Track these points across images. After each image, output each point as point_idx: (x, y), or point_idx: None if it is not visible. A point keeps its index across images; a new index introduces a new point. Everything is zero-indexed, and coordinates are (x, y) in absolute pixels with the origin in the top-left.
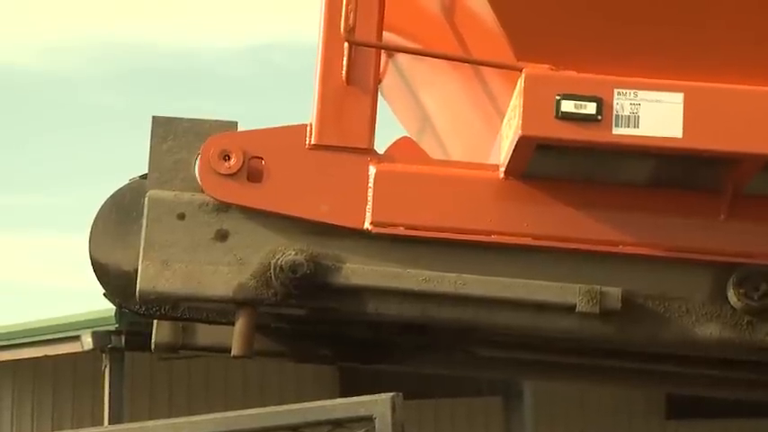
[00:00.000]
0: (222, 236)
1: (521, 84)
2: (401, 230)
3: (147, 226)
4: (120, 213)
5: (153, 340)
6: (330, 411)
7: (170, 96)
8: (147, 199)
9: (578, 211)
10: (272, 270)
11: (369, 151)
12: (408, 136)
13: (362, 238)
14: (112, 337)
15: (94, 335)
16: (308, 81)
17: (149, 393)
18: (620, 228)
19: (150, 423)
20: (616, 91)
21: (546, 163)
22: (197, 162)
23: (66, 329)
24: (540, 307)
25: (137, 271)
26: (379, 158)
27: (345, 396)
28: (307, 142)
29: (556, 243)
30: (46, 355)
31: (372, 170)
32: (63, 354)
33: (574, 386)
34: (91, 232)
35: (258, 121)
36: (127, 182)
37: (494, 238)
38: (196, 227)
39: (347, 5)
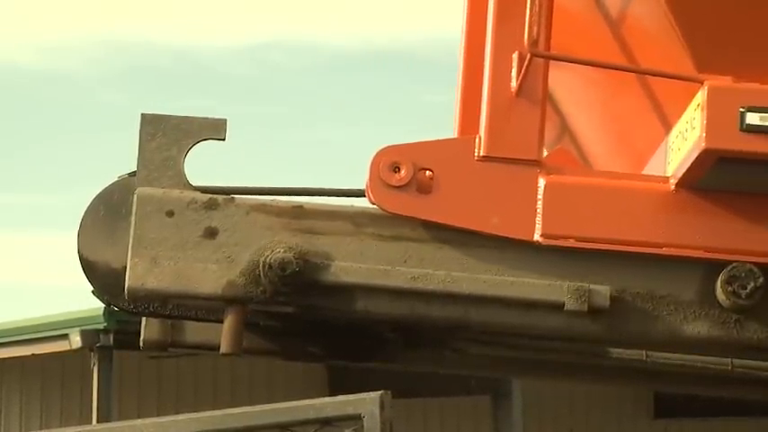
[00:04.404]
0: (211, 233)
1: (703, 96)
2: (572, 243)
3: (135, 223)
4: (108, 211)
5: (141, 338)
6: (319, 410)
7: (170, 95)
8: (135, 196)
9: (753, 223)
10: (260, 268)
11: (538, 163)
12: (564, 147)
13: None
14: (101, 336)
15: (83, 333)
16: (307, 80)
17: (138, 392)
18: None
19: (139, 422)
20: None
21: (721, 175)
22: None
23: (55, 328)
24: (529, 305)
25: (125, 268)
26: (548, 170)
27: (334, 394)
28: (475, 154)
29: (730, 256)
30: (34, 354)
31: (542, 182)
32: (51, 352)
33: (563, 384)
34: (79, 230)
35: (259, 121)
36: (115, 179)
37: (665, 250)
38: (185, 224)
39: (531, 18)
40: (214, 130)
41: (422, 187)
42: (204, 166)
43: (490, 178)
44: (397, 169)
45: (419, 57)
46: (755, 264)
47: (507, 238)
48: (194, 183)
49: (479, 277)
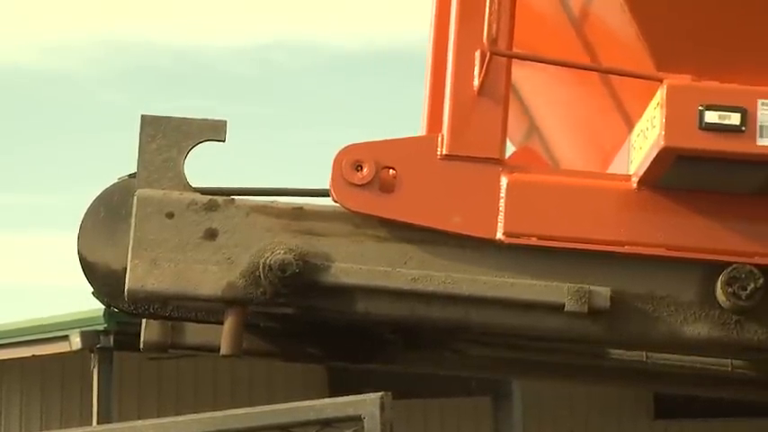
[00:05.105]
0: (211, 235)
1: (662, 94)
2: (534, 241)
3: (135, 225)
4: (108, 212)
5: (142, 339)
6: (319, 411)
7: (170, 95)
8: (135, 198)
9: (714, 221)
10: (261, 269)
11: (500, 161)
12: (529, 146)
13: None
14: (101, 337)
15: (83, 334)
16: (308, 81)
17: (138, 393)
18: (756, 239)
19: (139, 423)
20: (760, 102)
21: (681, 173)
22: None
23: (55, 329)
24: (529, 306)
25: (125, 270)
26: (510, 168)
27: (334, 396)
28: (438, 152)
29: (690, 254)
30: (34, 355)
31: (504, 180)
32: (51, 353)
33: (563, 386)
34: (80, 231)
35: (260, 122)
36: (115, 181)
37: (627, 248)
38: (185, 226)
39: (490, 16)
40: (214, 131)
41: (384, 186)
42: (205, 166)
43: (453, 177)
44: (359, 168)
45: (420, 57)
46: (755, 265)
47: (470, 236)
48: (195, 183)
49: (480, 279)
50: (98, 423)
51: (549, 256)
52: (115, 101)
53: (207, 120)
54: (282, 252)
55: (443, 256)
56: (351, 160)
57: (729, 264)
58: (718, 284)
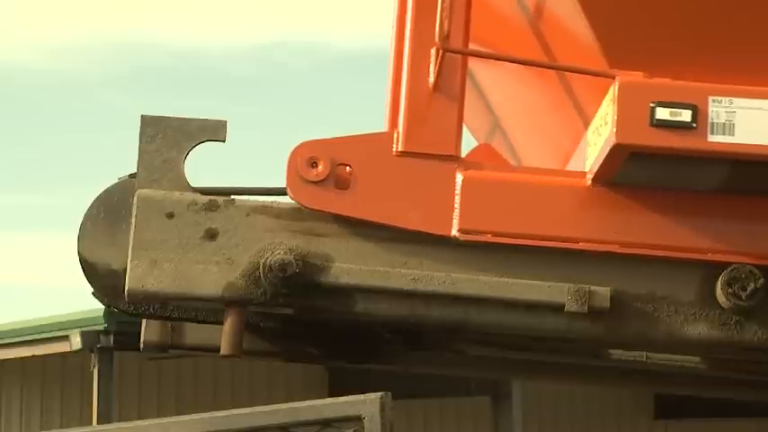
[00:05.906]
0: (211, 235)
1: (614, 91)
2: (488, 238)
3: (135, 225)
4: (109, 212)
5: (142, 339)
6: (319, 411)
7: (174, 96)
8: (135, 198)
9: (668, 218)
10: (261, 269)
11: (455, 158)
12: (487, 143)
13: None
14: (101, 337)
15: (83, 334)
16: (311, 81)
17: (138, 393)
18: (710, 235)
19: (139, 423)
20: (711, 99)
21: (635, 170)
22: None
23: (55, 329)
24: (530, 306)
25: (126, 270)
26: (465, 165)
27: (334, 396)
28: (393, 149)
29: (645, 251)
30: (34, 355)
31: (459, 177)
32: (52, 353)
33: (563, 385)
34: (80, 231)
35: (262, 121)
36: (115, 181)
37: (581, 245)
38: (185, 226)
39: (442, 13)
40: (214, 131)
41: (340, 182)
42: (205, 166)
43: (408, 174)
44: (314, 164)
45: None
46: (755, 265)
47: (429, 233)
48: (195, 183)
49: (479, 279)
50: (98, 423)
51: (545, 257)
52: (115, 101)
53: (207, 120)
54: (282, 252)
55: (443, 257)
56: (306, 157)
57: (729, 264)
58: (719, 285)
